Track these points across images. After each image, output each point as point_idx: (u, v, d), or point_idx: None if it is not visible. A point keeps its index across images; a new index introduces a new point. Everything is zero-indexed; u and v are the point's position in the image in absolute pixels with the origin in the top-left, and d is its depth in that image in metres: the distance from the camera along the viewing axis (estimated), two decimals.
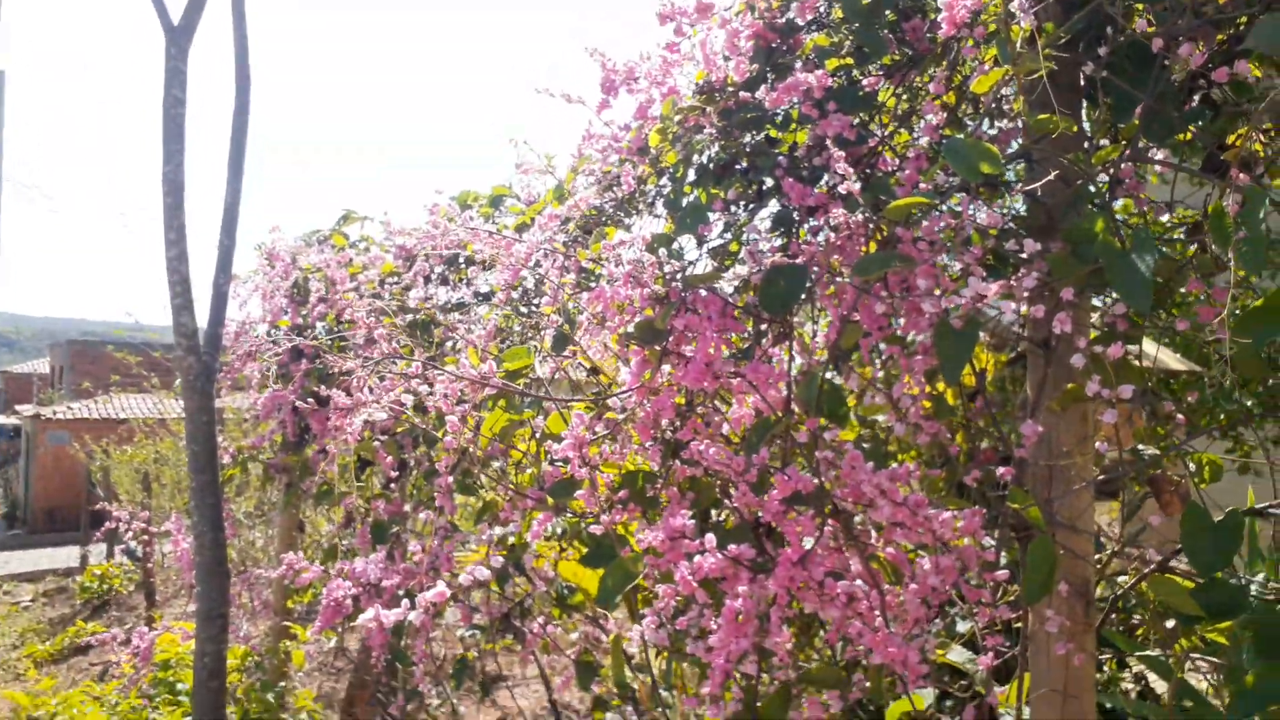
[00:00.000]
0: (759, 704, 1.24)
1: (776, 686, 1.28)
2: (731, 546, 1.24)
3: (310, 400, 2.96)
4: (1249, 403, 3.75)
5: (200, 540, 2.92)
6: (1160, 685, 2.89)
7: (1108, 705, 2.70)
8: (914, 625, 1.20)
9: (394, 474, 2.58)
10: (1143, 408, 2.76)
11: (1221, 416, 3.61)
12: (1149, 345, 2.73)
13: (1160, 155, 1.34)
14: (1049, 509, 1.22)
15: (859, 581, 1.20)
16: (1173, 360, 3.43)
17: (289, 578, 2.20)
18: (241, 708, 4.11)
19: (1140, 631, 2.69)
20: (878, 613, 1.18)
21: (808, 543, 1.22)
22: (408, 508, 2.33)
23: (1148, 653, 1.33)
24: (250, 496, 7.43)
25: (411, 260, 2.86)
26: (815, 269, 1.31)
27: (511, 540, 2.03)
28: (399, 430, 2.18)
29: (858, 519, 1.27)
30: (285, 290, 3.63)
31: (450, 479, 2.22)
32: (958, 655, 1.61)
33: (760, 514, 1.29)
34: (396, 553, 2.25)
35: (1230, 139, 1.27)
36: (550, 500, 1.43)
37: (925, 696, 1.60)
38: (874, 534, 1.26)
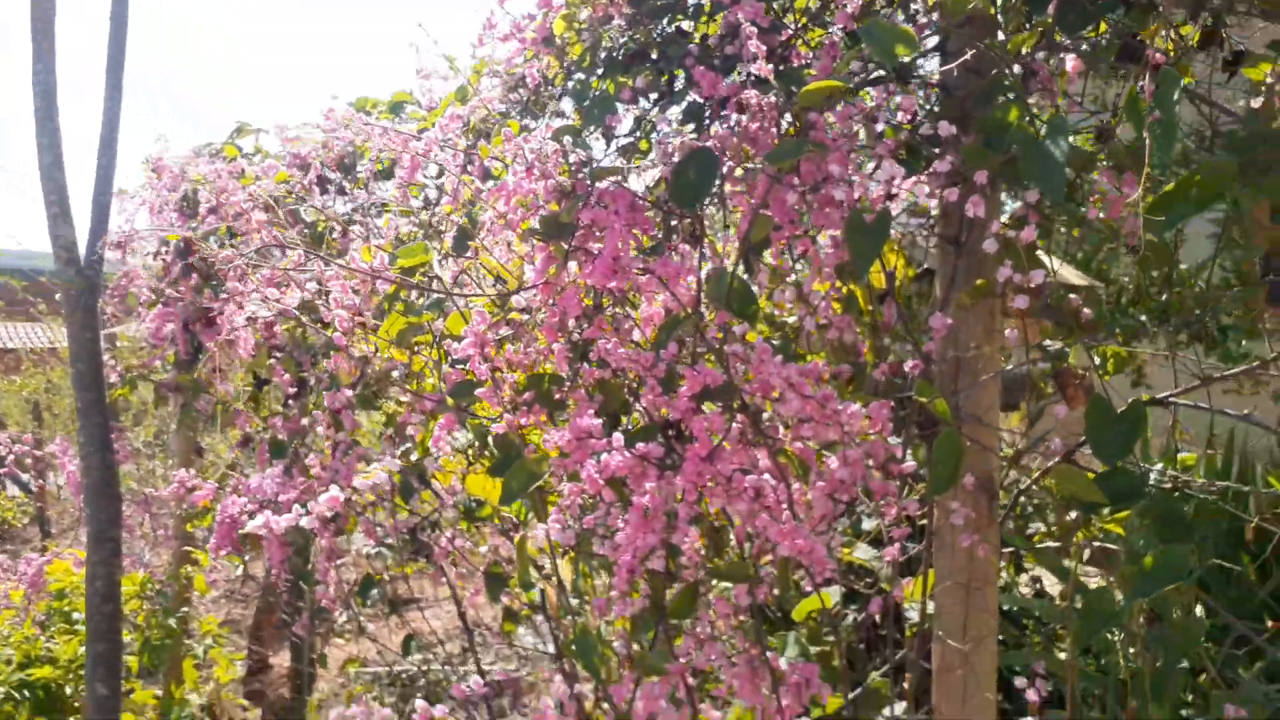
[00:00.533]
0: (667, 602, 1.23)
1: (684, 586, 1.26)
2: (639, 445, 1.21)
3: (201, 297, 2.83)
4: (1143, 318, 3.88)
5: (88, 461, 2.80)
6: (1055, 588, 3.01)
7: (1005, 607, 2.80)
8: (821, 521, 1.20)
9: (292, 390, 2.49)
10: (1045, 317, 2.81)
11: (1117, 331, 3.73)
12: (1049, 260, 2.78)
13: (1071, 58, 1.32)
14: (955, 401, 1.22)
15: (767, 476, 1.18)
16: (1073, 275, 3.51)
17: (181, 495, 2.12)
18: (142, 634, 4.01)
19: (1037, 538, 2.79)
20: (785, 506, 1.16)
21: (716, 441, 1.20)
22: (305, 422, 2.25)
23: (1047, 544, 1.35)
24: (149, 425, 7.16)
25: (306, 168, 2.72)
26: (728, 164, 1.26)
27: (415, 455, 1.98)
28: (288, 327, 2.09)
29: (766, 416, 1.25)
30: (174, 204, 3.45)
31: (350, 392, 2.15)
32: (864, 553, 1.63)
33: (669, 415, 1.26)
34: (295, 469, 2.18)
35: (1143, 35, 1.25)
36: (450, 401, 1.38)
37: (832, 594, 1.61)
38: (782, 430, 1.24)
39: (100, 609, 2.75)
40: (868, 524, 1.67)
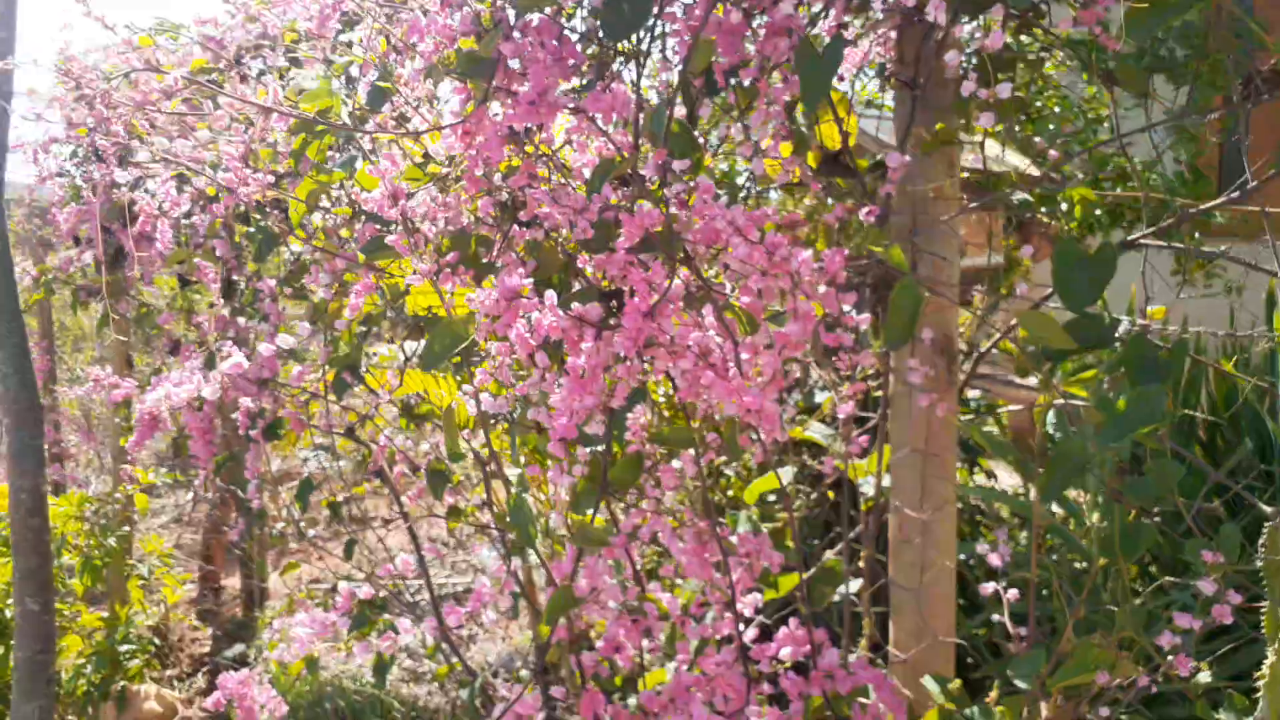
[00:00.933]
0: (609, 471, 1.14)
1: (628, 455, 1.18)
2: (575, 306, 1.11)
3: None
4: (1098, 212, 3.83)
5: (3, 368, 2.65)
6: (1008, 484, 2.99)
7: (959, 505, 2.77)
8: (771, 381, 1.11)
9: (216, 285, 2.35)
10: (1000, 210, 2.73)
11: (1073, 224, 3.67)
12: (1000, 148, 2.69)
13: None
14: (913, 245, 1.13)
15: (713, 334, 1.09)
16: (1028, 166, 3.43)
17: (95, 394, 1.99)
18: (80, 554, 3.89)
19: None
20: (732, 364, 1.07)
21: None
22: (226, 314, 2.12)
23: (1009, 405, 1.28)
24: (89, 351, 6.94)
25: (221, 54, 2.53)
26: None
27: (344, 347, 1.86)
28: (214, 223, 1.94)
29: (712, 273, 1.16)
30: (87, 100, 3.23)
31: (273, 283, 2.02)
32: (817, 431, 1.55)
33: (607, 279, 1.17)
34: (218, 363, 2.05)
35: None
36: (362, 258, 1.26)
37: (784, 475, 1.54)
38: (729, 287, 1.15)
39: (26, 523, 2.62)
40: (820, 398, 1.60)
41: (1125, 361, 0.99)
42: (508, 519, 1.23)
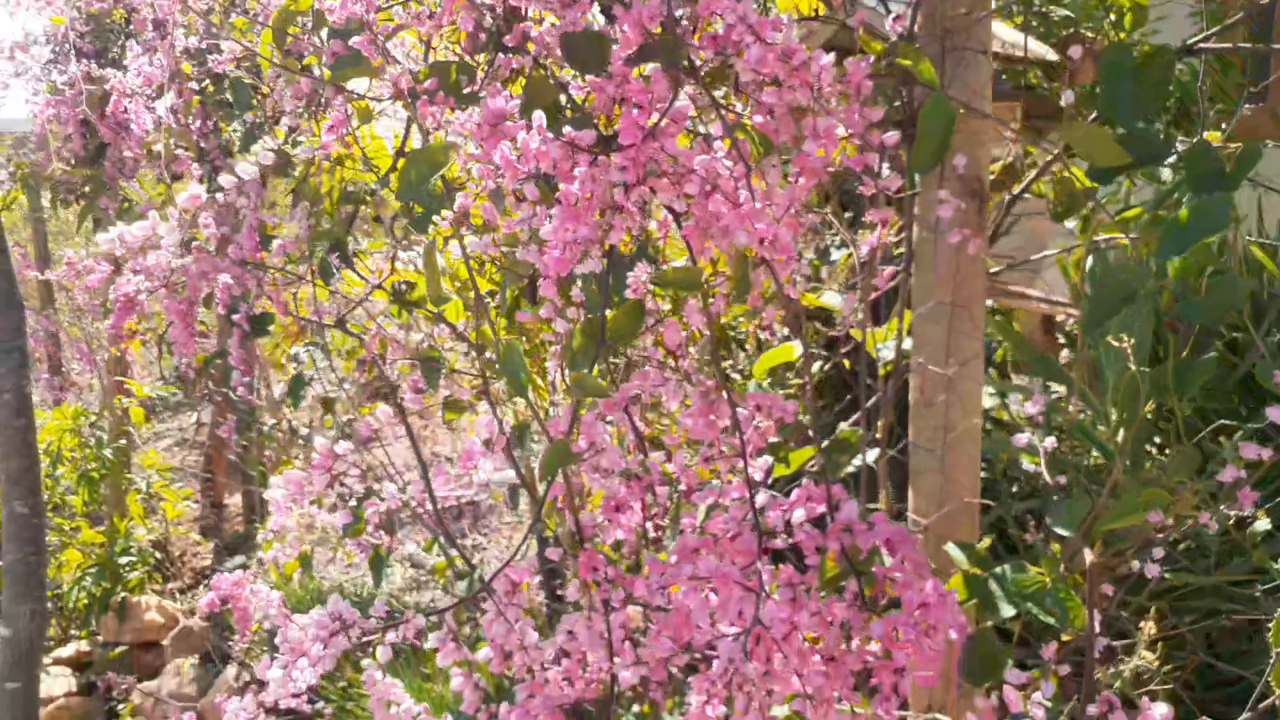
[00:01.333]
0: (608, 320, 1.04)
1: (627, 302, 1.08)
2: (569, 130, 0.99)
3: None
4: None
5: None
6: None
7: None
8: (787, 210, 1.00)
9: (198, 174, 2.24)
10: (1021, 102, 2.58)
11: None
12: (1016, 34, 2.53)
13: None
14: (944, 62, 1.02)
15: (721, 156, 0.98)
16: (1049, 52, 3.28)
17: (70, 279, 1.89)
18: (76, 467, 3.83)
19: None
20: (743, 190, 0.96)
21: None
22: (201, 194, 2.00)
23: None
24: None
25: None
26: None
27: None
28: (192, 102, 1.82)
29: (719, 93, 1.04)
30: None
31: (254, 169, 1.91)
32: (833, 299, 1.45)
33: (603, 106, 1.05)
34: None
35: None
36: (328, 74, 1.15)
37: (798, 347, 1.44)
38: (740, 107, 1.03)
39: (11, 424, 2.54)
40: (837, 255, 1.49)
41: (1186, 171, 0.88)
42: (499, 367, 1.13)
